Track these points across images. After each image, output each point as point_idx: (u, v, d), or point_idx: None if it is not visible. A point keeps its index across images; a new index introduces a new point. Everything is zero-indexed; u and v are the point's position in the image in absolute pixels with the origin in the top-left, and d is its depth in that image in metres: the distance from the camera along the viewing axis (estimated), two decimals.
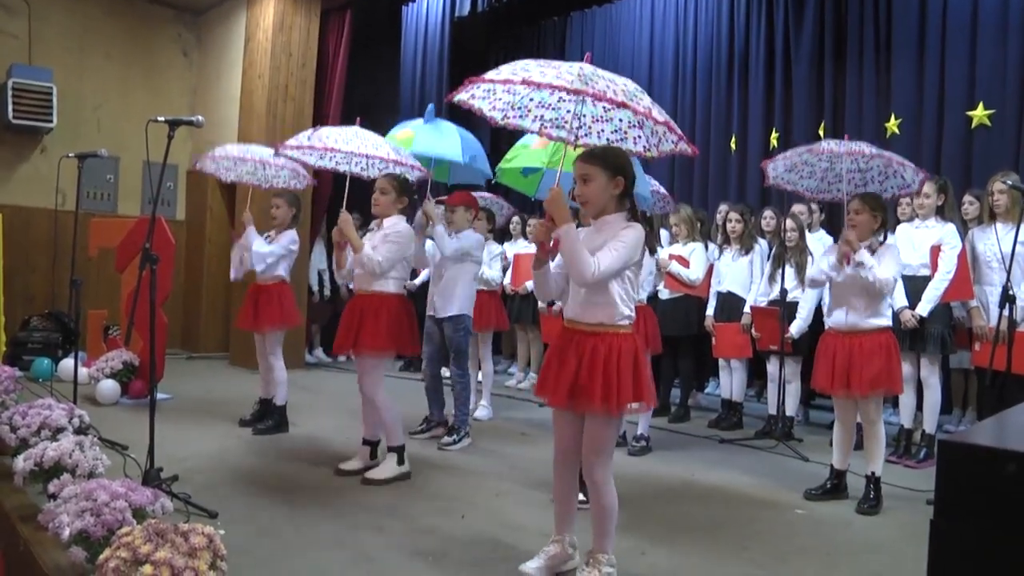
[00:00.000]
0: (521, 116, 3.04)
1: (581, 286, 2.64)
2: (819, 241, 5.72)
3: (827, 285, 4.08)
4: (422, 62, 8.90)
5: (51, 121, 7.49)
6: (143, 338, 5.66)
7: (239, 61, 8.15)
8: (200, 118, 3.63)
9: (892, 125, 6.42)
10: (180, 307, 8.48)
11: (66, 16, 7.92)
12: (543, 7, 8.82)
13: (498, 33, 9.69)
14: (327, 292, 8.34)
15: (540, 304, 6.67)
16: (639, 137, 2.97)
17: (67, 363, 6.00)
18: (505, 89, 2.97)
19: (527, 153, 4.66)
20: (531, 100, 3.03)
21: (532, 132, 3.16)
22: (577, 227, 2.70)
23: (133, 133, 7.65)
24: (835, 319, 3.93)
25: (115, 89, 8.28)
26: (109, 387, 5.61)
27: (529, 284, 6.93)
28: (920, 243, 4.85)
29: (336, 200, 8.01)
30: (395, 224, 4.06)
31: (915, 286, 4.80)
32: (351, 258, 4.03)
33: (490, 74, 2.84)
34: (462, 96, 2.99)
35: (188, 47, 8.84)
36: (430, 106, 5.60)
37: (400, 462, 4.04)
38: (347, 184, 4.22)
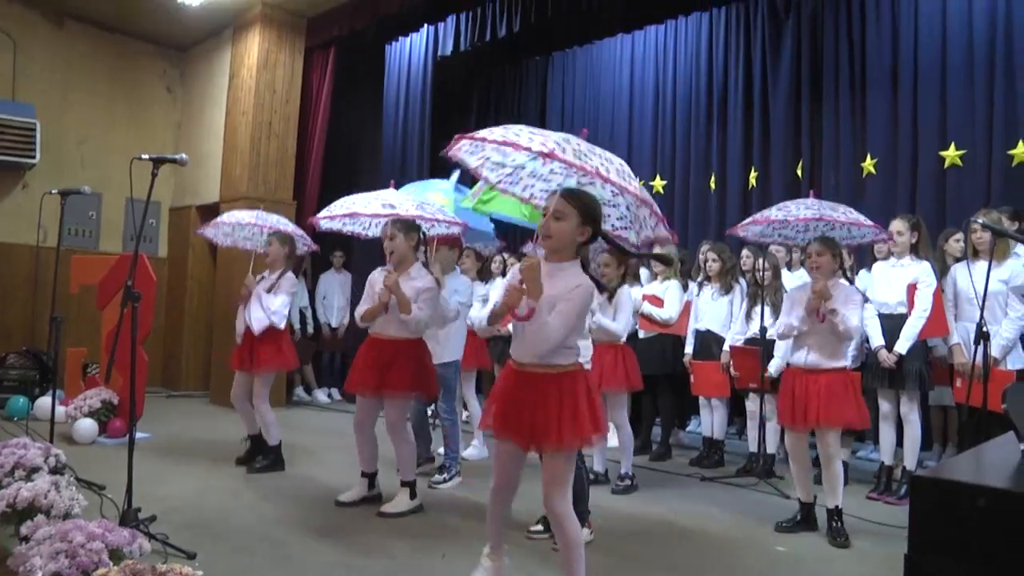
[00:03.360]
0: (513, 183, 3.11)
1: (542, 351, 2.64)
2: (799, 280, 5.75)
3: None
4: (405, 101, 8.98)
5: (34, 157, 7.47)
6: (123, 376, 5.62)
7: (223, 97, 8.21)
8: (184, 156, 3.68)
9: (868, 164, 6.54)
10: (160, 344, 8.42)
11: (50, 51, 7.95)
12: (525, 47, 8.93)
13: (480, 72, 9.83)
14: (310, 330, 8.30)
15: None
16: (627, 224, 3.05)
17: (44, 401, 5.92)
18: (495, 148, 2.99)
19: (499, 200, 4.66)
20: (522, 168, 3.08)
21: (522, 200, 3.19)
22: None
23: (116, 169, 7.66)
24: (796, 358, 4.09)
25: (99, 125, 8.29)
26: (87, 426, 5.53)
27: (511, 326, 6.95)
28: (896, 281, 4.90)
29: (319, 240, 8.04)
30: (424, 278, 4.13)
31: (892, 324, 4.84)
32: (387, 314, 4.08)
33: (482, 133, 2.87)
34: (462, 156, 3.01)
35: (172, 83, 8.89)
36: (456, 171, 5.60)
37: (413, 496, 4.15)
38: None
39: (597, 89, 8.93)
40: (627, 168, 2.98)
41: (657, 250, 5.56)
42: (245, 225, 5.24)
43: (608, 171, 2.79)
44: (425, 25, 8.50)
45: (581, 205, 2.71)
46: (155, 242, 8.75)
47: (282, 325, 4.96)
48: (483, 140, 2.90)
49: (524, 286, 2.60)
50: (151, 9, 7.74)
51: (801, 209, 4.60)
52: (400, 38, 8.82)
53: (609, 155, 2.93)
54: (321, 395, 8.45)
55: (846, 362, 4.06)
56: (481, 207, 4.77)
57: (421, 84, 8.90)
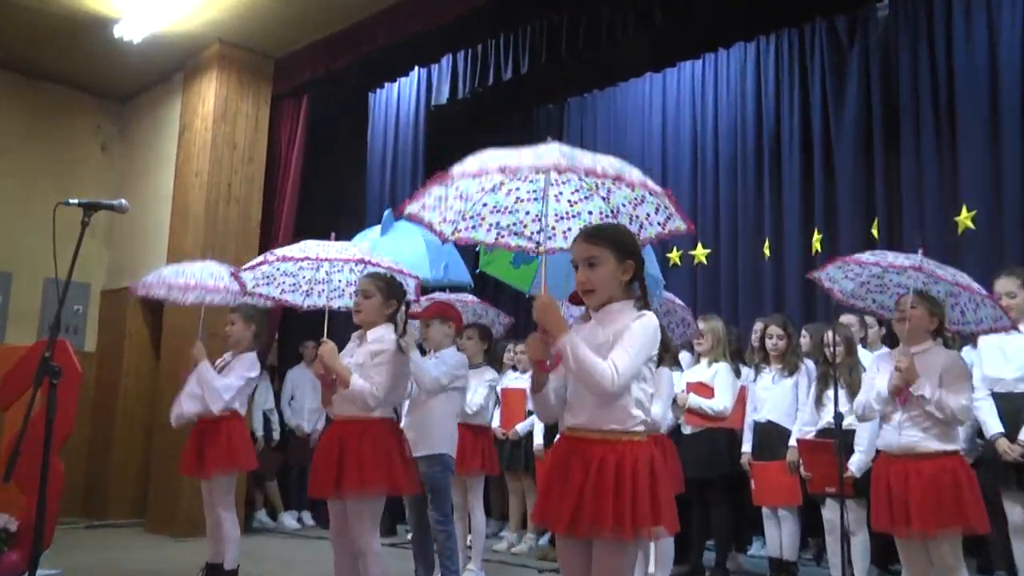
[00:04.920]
0: (474, 227, 3.18)
1: (601, 397, 2.68)
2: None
3: None
4: (393, 158, 9.13)
5: None
6: (27, 494, 5.28)
7: (172, 155, 8.36)
8: (124, 202, 3.72)
9: (965, 218, 6.50)
10: (82, 461, 8.33)
11: None
12: (535, 93, 9.12)
13: (482, 123, 9.84)
14: (275, 437, 8.24)
15: (537, 444, 6.66)
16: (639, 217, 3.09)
17: None
18: (458, 195, 3.06)
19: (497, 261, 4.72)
20: (484, 205, 3.15)
21: (487, 244, 3.26)
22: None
23: (31, 245, 7.68)
24: (889, 439, 3.95)
25: (12, 192, 8.35)
26: None
27: (521, 427, 6.97)
28: (1014, 352, 4.82)
29: (288, 325, 7.95)
30: (381, 338, 4.12)
31: (1012, 405, 4.74)
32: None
33: (455, 168, 2.87)
34: (412, 208, 3.07)
35: (109, 140, 9.10)
36: (387, 212, 5.72)
37: None
38: (326, 310, 4.38)
39: (623, 139, 9.04)
40: (619, 161, 2.92)
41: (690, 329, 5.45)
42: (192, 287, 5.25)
43: (597, 164, 2.78)
44: (416, 68, 8.68)
45: (612, 240, 2.80)
46: (81, 333, 8.78)
47: (217, 409, 4.92)
48: (425, 188, 2.98)
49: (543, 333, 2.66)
50: (83, 49, 7.92)
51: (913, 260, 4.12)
52: (386, 84, 9.03)
53: (592, 154, 2.92)
54: (289, 519, 8.33)
55: (958, 444, 3.93)
56: (490, 270, 4.84)
57: (412, 138, 9.06)
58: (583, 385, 2.69)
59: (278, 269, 4.56)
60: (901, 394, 3.85)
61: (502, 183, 3.07)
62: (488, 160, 2.78)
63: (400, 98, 9.20)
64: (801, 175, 7.65)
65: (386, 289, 4.18)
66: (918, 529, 3.79)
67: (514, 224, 3.17)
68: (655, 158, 8.76)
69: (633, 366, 2.65)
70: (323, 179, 8.95)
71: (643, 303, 2.82)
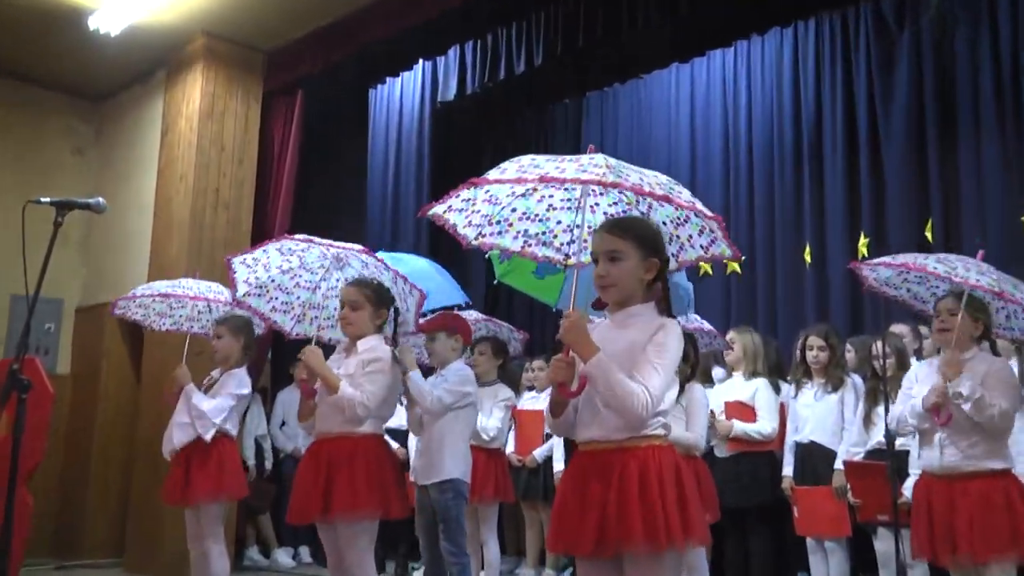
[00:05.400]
0: (500, 232, 3.26)
1: (635, 421, 2.69)
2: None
3: None
4: (396, 158, 9.12)
5: None
6: None
7: (154, 159, 8.28)
8: (101, 200, 3.72)
9: None
10: (54, 493, 8.22)
11: None
12: (550, 87, 9.08)
13: (493, 120, 9.97)
14: (267, 465, 8.15)
15: (558, 471, 6.55)
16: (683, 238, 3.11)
17: None
18: (487, 198, 3.17)
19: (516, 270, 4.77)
20: (513, 211, 3.23)
21: (512, 252, 3.34)
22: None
23: None
24: (927, 459, 3.92)
25: None
26: None
27: (539, 452, 6.89)
28: None
29: (280, 344, 7.90)
30: (374, 349, 4.12)
31: None
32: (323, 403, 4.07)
33: (492, 173, 2.99)
34: (437, 209, 3.19)
35: (84, 143, 9.04)
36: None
37: None
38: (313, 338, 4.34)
39: (647, 137, 9.01)
40: (665, 178, 3.03)
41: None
42: (181, 299, 5.30)
43: (644, 182, 2.88)
44: (420, 61, 8.66)
45: (635, 234, 2.82)
46: (53, 353, 8.67)
47: (209, 435, 4.90)
48: (455, 191, 3.11)
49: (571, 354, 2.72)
50: (55, 43, 7.85)
51: (972, 272, 4.09)
52: (387, 79, 8.98)
53: (639, 168, 3.03)
54: (284, 556, 8.20)
55: (1009, 462, 3.86)
56: (509, 280, 4.84)
57: (416, 137, 9.09)
58: (613, 410, 2.69)
59: (272, 280, 4.56)
60: (940, 414, 3.81)
61: (535, 188, 3.13)
62: (529, 168, 2.89)
63: (403, 94, 9.23)
64: (845, 173, 7.55)
65: (375, 298, 4.17)
66: (965, 553, 3.75)
67: (543, 233, 3.24)
68: (683, 156, 8.69)
69: (664, 386, 2.69)
70: (320, 183, 8.90)
71: (665, 306, 2.83)
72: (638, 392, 2.61)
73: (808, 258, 7.69)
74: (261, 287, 4.57)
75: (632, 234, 2.80)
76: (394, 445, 6.42)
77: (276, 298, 4.62)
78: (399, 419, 5.62)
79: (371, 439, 4.10)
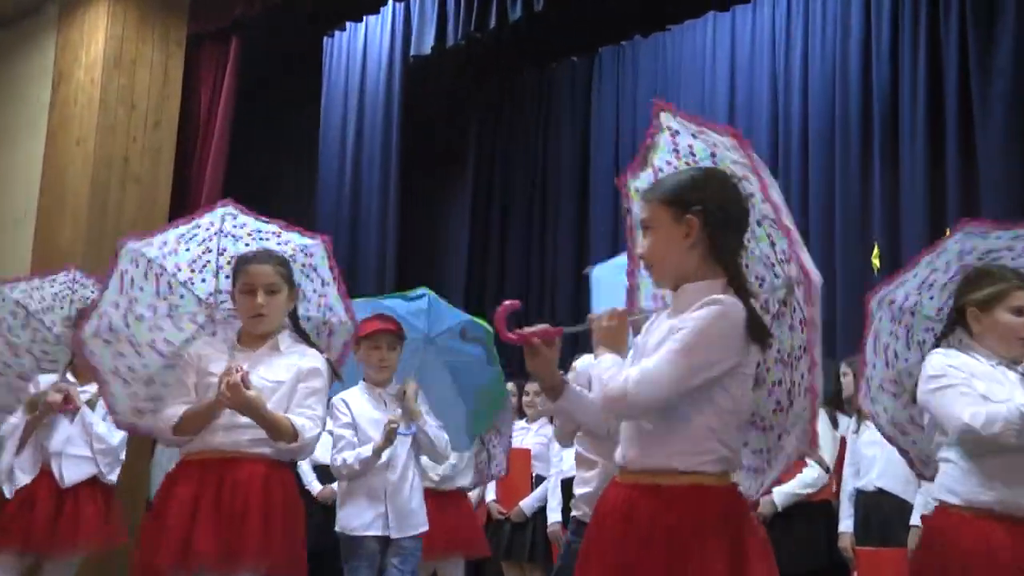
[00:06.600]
0: None
1: (627, 422, 2.70)
2: None
3: None
4: (356, 125, 9.11)
5: None
6: None
7: (42, 119, 8.09)
8: None
9: None
10: None
11: None
12: (554, 40, 9.09)
13: (482, 81, 10.04)
14: None
15: (552, 524, 6.49)
16: None
17: None
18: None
19: None
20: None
21: None
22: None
23: None
24: (1004, 497, 3.46)
25: None
26: None
27: (527, 504, 6.83)
28: None
29: None
30: (309, 355, 3.89)
31: None
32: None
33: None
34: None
35: None
36: None
37: None
38: None
39: (674, 102, 8.64)
40: None
41: None
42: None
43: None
44: (390, 3, 8.67)
45: (661, 191, 2.72)
46: None
47: (115, 476, 5.09)
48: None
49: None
50: None
51: None
52: (348, 24, 9.09)
53: None
54: None
55: None
56: None
57: (384, 99, 9.09)
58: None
59: (128, 325, 4.04)
60: None
61: None
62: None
63: (368, 45, 9.26)
64: (928, 157, 7.31)
65: (289, 277, 3.87)
66: None
67: None
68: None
69: (663, 375, 2.50)
70: (259, 152, 8.97)
71: (737, 284, 2.61)
72: (617, 383, 2.53)
73: (877, 262, 7.37)
74: (113, 329, 4.04)
75: (657, 192, 2.72)
76: (317, 487, 6.57)
77: (124, 353, 4.10)
78: (327, 451, 5.35)
79: (282, 470, 3.78)
